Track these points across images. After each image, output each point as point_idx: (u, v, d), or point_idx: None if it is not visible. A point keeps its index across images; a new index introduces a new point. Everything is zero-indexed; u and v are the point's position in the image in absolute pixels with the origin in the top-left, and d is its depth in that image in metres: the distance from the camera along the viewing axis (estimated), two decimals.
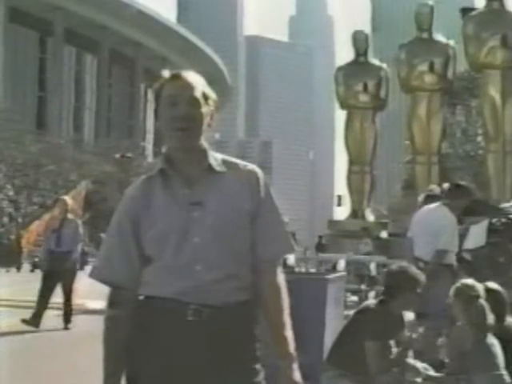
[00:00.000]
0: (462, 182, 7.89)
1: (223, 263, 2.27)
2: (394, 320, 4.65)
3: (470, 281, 4.80)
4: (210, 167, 2.34)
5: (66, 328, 9.74)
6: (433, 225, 6.52)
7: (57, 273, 9.84)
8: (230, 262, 2.28)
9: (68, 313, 9.92)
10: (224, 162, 2.38)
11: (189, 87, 2.32)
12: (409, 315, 5.01)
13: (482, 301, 4.65)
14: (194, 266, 2.25)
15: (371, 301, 4.82)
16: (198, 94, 2.32)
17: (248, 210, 2.33)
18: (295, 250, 2.52)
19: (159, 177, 2.35)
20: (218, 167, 2.35)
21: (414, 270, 4.76)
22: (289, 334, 2.34)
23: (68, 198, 10.83)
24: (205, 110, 2.33)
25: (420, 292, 4.63)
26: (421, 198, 7.87)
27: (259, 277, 2.35)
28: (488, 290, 4.86)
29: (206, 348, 2.22)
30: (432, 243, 6.39)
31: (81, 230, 10.33)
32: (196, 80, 2.36)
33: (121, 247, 2.36)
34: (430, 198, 7.65)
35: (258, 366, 2.32)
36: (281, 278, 2.39)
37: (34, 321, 9.50)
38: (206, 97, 2.35)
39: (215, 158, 2.38)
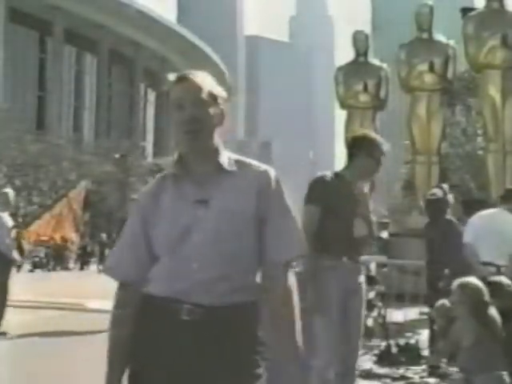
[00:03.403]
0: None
1: (218, 263, 2.25)
2: (344, 189, 4.49)
3: (477, 282, 4.73)
4: (219, 166, 2.32)
5: None
6: (501, 228, 6.41)
7: None
8: (226, 263, 2.25)
9: None
10: (237, 162, 2.36)
11: (194, 89, 2.31)
12: None
13: (493, 311, 4.60)
14: (191, 265, 2.24)
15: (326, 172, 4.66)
16: (203, 94, 2.31)
17: (253, 211, 2.30)
18: (307, 251, 2.49)
19: (171, 176, 2.36)
20: (228, 166, 2.33)
21: (375, 135, 4.69)
22: (298, 338, 2.32)
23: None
24: (213, 109, 2.32)
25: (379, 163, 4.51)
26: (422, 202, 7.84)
27: (268, 280, 2.33)
28: (495, 284, 4.84)
29: (199, 348, 2.21)
30: (502, 247, 6.28)
31: (7, 223, 9.56)
32: (202, 80, 2.34)
33: (132, 245, 2.38)
34: (433, 202, 7.65)
35: (256, 370, 2.27)
36: (292, 280, 2.37)
37: None
38: (214, 96, 2.34)
39: (228, 157, 2.36)
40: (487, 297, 4.62)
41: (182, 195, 2.32)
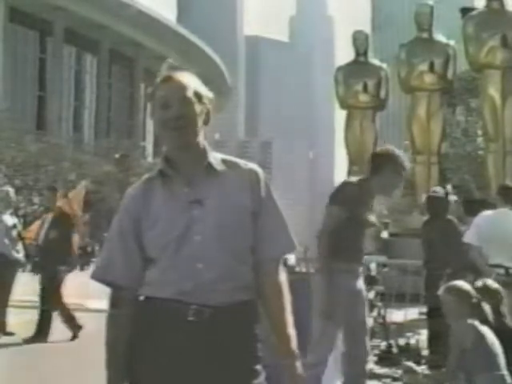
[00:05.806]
0: (509, 184, 7.76)
1: (224, 262, 2.26)
2: (366, 199, 4.68)
3: (461, 283, 4.80)
4: (209, 166, 2.33)
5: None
6: (507, 229, 6.33)
7: None
8: (230, 261, 2.27)
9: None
10: (224, 162, 2.38)
11: (180, 88, 2.31)
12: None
13: (485, 305, 4.64)
14: (195, 265, 2.23)
15: (352, 178, 4.95)
16: (189, 93, 2.31)
17: (249, 208, 2.32)
18: (297, 248, 2.52)
19: (159, 177, 2.35)
20: (217, 166, 2.34)
21: (399, 152, 4.80)
22: (292, 332, 2.35)
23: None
24: (198, 108, 2.32)
25: (402, 178, 4.72)
26: (423, 200, 7.83)
27: (262, 275, 2.36)
28: (487, 289, 4.87)
29: (207, 348, 2.21)
30: (509, 248, 6.22)
31: (6, 221, 9.30)
32: (188, 80, 2.34)
33: (122, 247, 2.34)
34: (436, 200, 7.63)
35: (259, 367, 2.31)
36: (283, 276, 2.40)
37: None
38: (199, 96, 2.34)
39: (215, 157, 2.37)
40: (474, 293, 4.68)
41: (174, 196, 2.31)
